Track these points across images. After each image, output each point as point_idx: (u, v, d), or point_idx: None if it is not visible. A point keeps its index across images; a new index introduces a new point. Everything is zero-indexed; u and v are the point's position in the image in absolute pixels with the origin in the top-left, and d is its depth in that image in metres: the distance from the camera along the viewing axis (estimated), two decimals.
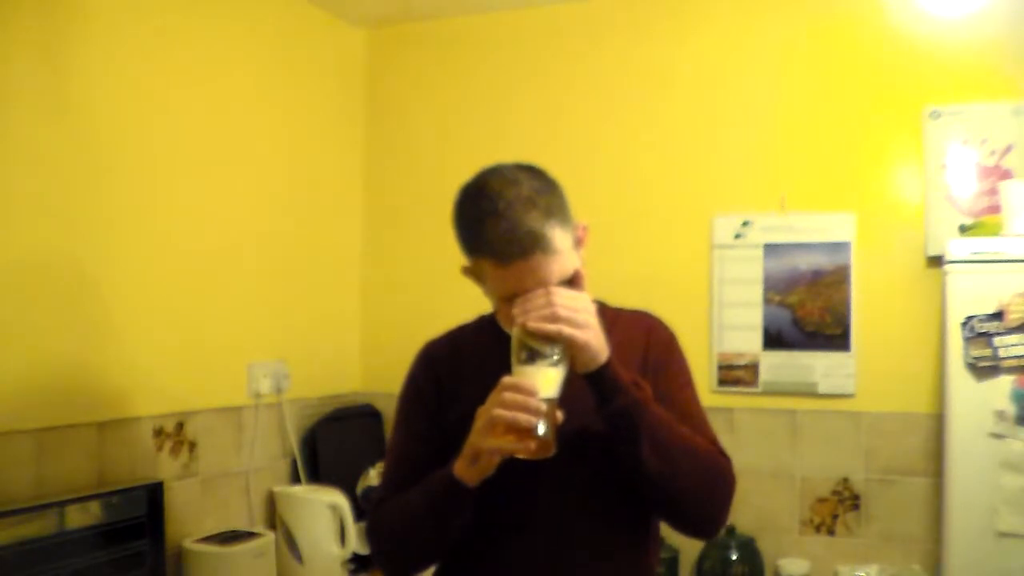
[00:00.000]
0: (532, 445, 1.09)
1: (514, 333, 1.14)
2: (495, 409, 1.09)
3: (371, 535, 1.34)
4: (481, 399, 1.16)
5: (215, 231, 2.56)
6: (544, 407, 1.09)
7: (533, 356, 1.12)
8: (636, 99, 2.94)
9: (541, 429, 1.08)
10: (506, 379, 1.11)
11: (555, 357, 1.12)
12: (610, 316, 1.31)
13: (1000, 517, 2.16)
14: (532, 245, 1.16)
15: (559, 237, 1.18)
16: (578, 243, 1.27)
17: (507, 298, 1.21)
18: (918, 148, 2.65)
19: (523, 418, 1.08)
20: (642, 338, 1.35)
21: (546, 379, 1.11)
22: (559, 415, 1.11)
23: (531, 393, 1.09)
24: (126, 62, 2.27)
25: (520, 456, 1.11)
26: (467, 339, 1.41)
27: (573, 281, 1.21)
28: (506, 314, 1.22)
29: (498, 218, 1.17)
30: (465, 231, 1.24)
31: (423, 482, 1.24)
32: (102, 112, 2.20)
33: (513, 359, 1.13)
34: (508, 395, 1.09)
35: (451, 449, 1.20)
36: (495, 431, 1.09)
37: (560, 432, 1.14)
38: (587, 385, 1.20)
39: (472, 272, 1.28)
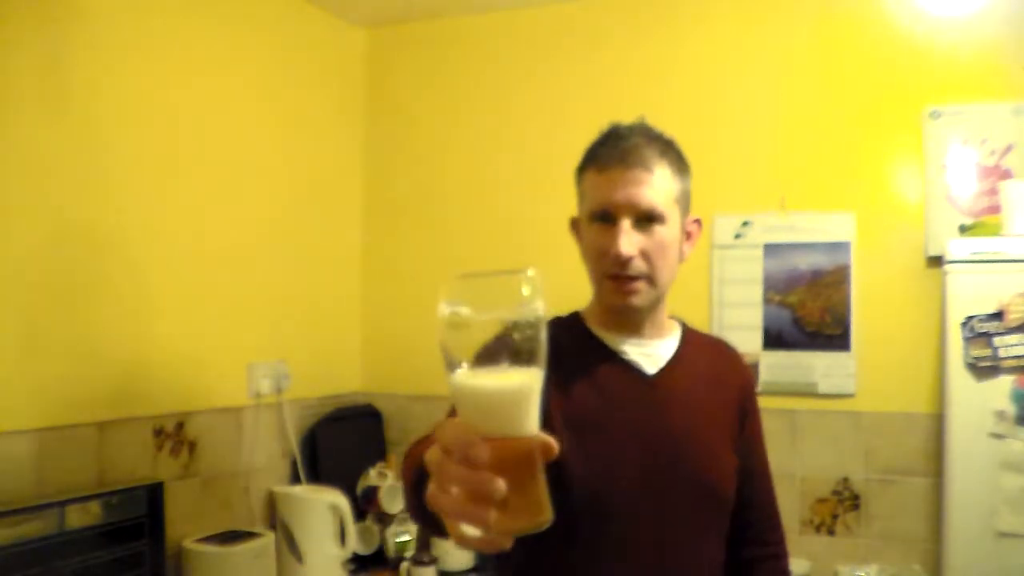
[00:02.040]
0: (497, 536, 0.64)
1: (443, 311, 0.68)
2: (434, 489, 0.66)
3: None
4: (577, 402, 1.19)
5: (215, 231, 2.56)
6: (511, 461, 0.64)
7: (485, 353, 0.66)
8: (636, 99, 2.94)
9: (497, 500, 0.62)
10: (441, 430, 0.66)
11: (530, 339, 0.66)
12: (694, 339, 1.35)
13: (1000, 517, 2.16)
14: (637, 158, 1.20)
15: (668, 182, 1.21)
16: (687, 234, 1.30)
17: (598, 216, 1.21)
18: (918, 148, 2.65)
19: (467, 511, 0.63)
20: (732, 371, 1.37)
21: (508, 393, 0.66)
22: (549, 441, 0.67)
23: (472, 457, 0.63)
24: (126, 62, 2.27)
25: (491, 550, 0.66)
26: (553, 334, 1.07)
27: (660, 256, 1.21)
28: (595, 246, 1.23)
29: (617, 136, 1.24)
30: (585, 154, 1.28)
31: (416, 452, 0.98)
32: (102, 112, 2.20)
33: (449, 359, 0.68)
34: (452, 470, 0.64)
35: None
36: (441, 512, 0.65)
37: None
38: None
39: (575, 224, 1.30)
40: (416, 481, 0.92)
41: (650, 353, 1.28)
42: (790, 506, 2.71)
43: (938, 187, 2.61)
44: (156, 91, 2.36)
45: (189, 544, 2.33)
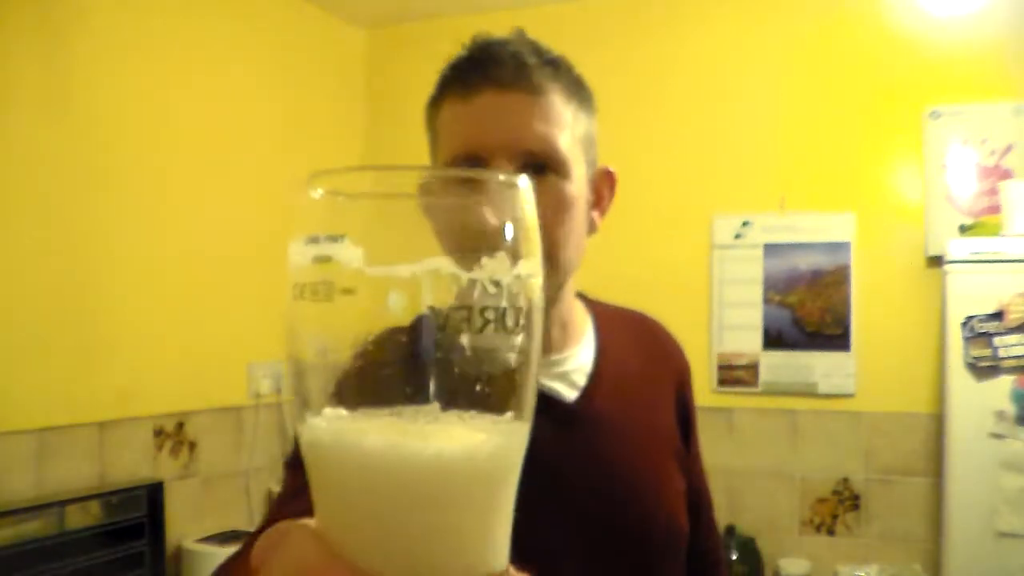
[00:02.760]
0: None
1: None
2: None
3: None
4: None
5: (215, 231, 2.56)
6: None
7: (405, 378, 0.33)
8: (636, 99, 2.94)
9: None
10: (291, 552, 0.33)
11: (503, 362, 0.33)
12: (611, 327, 0.97)
13: (1000, 517, 2.16)
14: (516, 75, 0.80)
15: (566, 113, 0.82)
16: (596, 194, 0.92)
17: (459, 165, 0.79)
18: (918, 148, 2.65)
19: None
20: (663, 356, 1.02)
21: (469, 486, 0.33)
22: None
23: None
24: (126, 63, 2.27)
25: None
26: (373, 359, 0.49)
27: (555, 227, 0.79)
28: (450, 225, 0.47)
29: (486, 50, 0.85)
30: (438, 81, 0.89)
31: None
32: (102, 112, 2.20)
33: (311, 381, 0.35)
34: None
35: None
36: None
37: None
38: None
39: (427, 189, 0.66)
40: None
41: (565, 371, 0.89)
42: (790, 506, 2.71)
43: (938, 187, 2.61)
44: (157, 91, 2.36)
45: (189, 544, 2.33)
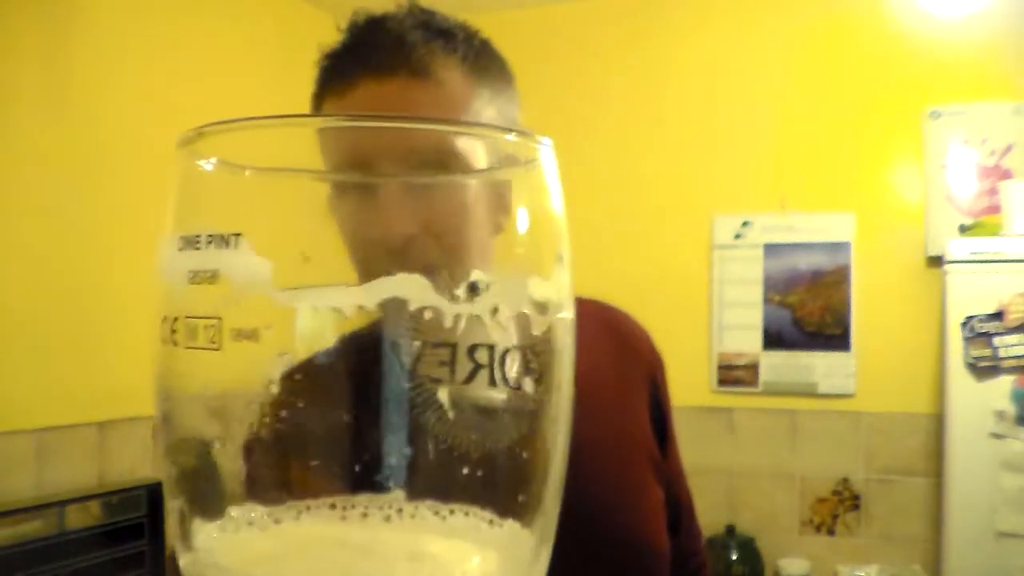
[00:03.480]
0: None
1: None
2: None
3: None
4: None
5: None
6: None
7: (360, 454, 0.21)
8: (636, 99, 2.94)
9: None
10: None
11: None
12: (582, 323, 0.63)
13: (1000, 517, 2.16)
14: (397, 59, 0.68)
15: (465, 96, 0.69)
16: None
17: (341, 168, 0.54)
18: (918, 148, 2.65)
19: None
20: (632, 350, 0.92)
21: None
22: None
23: None
24: (126, 63, 2.27)
25: None
26: (343, 371, 0.38)
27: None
28: (348, 230, 0.42)
29: (367, 32, 0.72)
30: (318, 73, 0.77)
31: None
32: (102, 112, 2.20)
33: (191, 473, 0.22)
34: None
35: None
36: None
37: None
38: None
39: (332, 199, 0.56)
40: None
41: None
42: (790, 506, 2.71)
43: (938, 187, 2.61)
44: (157, 91, 2.36)
45: None
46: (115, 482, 2.18)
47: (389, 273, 0.26)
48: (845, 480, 2.67)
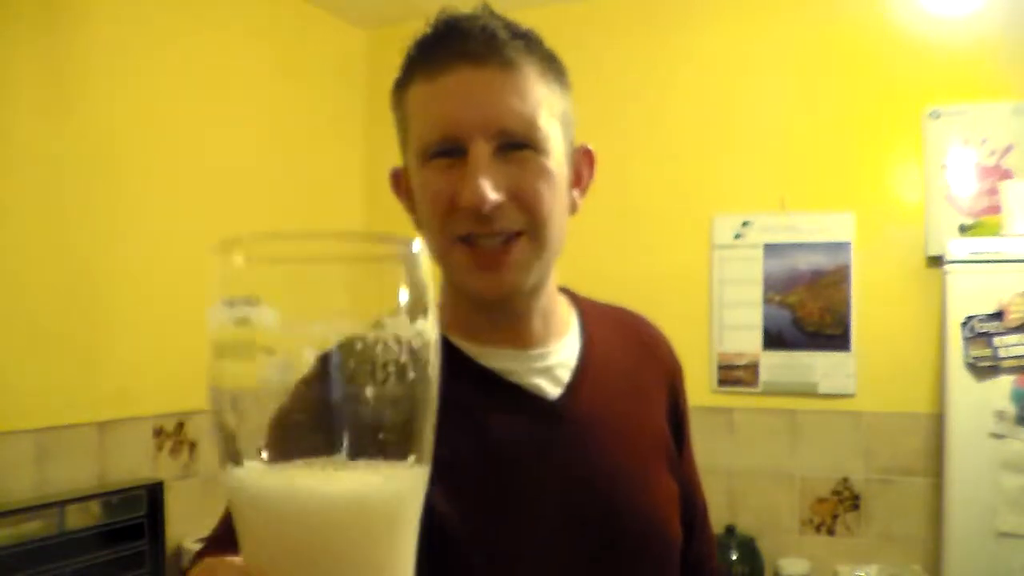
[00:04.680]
0: None
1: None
2: None
3: None
4: (450, 475, 0.62)
5: (215, 231, 2.54)
6: None
7: (314, 425, 0.37)
8: (636, 99, 2.94)
9: None
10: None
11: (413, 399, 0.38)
12: (597, 322, 0.93)
13: (1000, 517, 2.16)
14: (489, 50, 0.76)
15: (543, 87, 0.78)
16: (576, 173, 0.86)
17: (437, 148, 0.76)
18: (918, 148, 2.65)
19: None
20: (652, 352, 0.97)
21: (369, 525, 0.37)
22: None
23: None
24: (127, 63, 2.27)
25: None
26: (287, 414, 0.61)
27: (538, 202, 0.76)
28: (434, 196, 0.77)
29: (455, 26, 0.79)
30: (404, 61, 0.85)
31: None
32: (103, 112, 2.20)
33: (230, 433, 0.37)
34: None
35: None
36: None
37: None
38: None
39: (398, 179, 0.88)
40: None
41: (549, 365, 0.85)
42: (790, 506, 2.71)
43: (938, 187, 2.61)
44: (157, 91, 2.36)
45: (189, 544, 2.32)
46: (115, 482, 2.18)
47: (471, 234, 0.56)
48: (845, 480, 2.67)
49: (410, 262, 0.37)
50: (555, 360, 0.86)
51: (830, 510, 2.68)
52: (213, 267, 0.37)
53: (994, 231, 2.37)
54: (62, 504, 1.98)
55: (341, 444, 0.35)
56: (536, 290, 0.82)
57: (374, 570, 0.36)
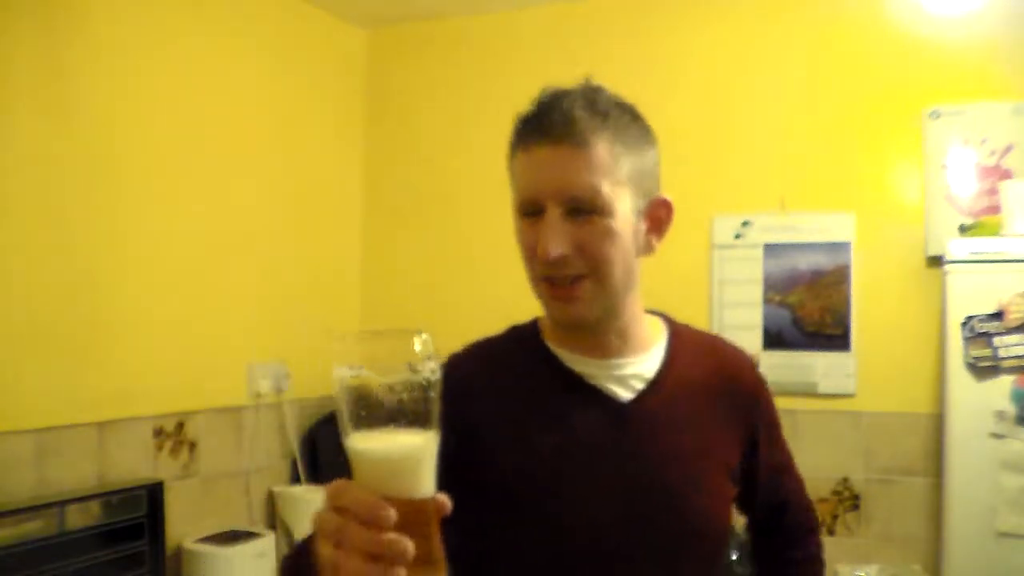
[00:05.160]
0: None
1: (338, 379, 0.67)
2: (326, 548, 0.67)
3: None
4: (528, 451, 0.97)
5: (215, 231, 2.56)
6: (411, 520, 0.65)
7: (387, 416, 0.66)
8: (636, 99, 2.93)
9: (406, 560, 0.63)
10: (335, 490, 0.67)
11: (424, 401, 0.67)
12: (685, 345, 1.10)
13: (1000, 517, 2.16)
14: (566, 132, 0.94)
15: (611, 159, 0.95)
16: (652, 221, 1.03)
17: (526, 208, 0.98)
18: (918, 148, 2.65)
19: (374, 572, 0.63)
20: (736, 383, 1.14)
21: (408, 464, 0.67)
22: (443, 500, 0.68)
23: (379, 520, 0.63)
24: (127, 63, 2.27)
25: None
26: (501, 356, 1.09)
27: (605, 259, 0.95)
28: (523, 245, 1.00)
29: (546, 105, 0.99)
30: (513, 132, 1.04)
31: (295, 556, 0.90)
32: (103, 113, 2.20)
33: (345, 422, 0.68)
34: (355, 532, 0.64)
35: (477, 509, 0.91)
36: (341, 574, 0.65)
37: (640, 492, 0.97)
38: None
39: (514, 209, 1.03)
40: (292, 563, 0.90)
41: (625, 374, 1.03)
42: None
43: (938, 187, 2.61)
44: (157, 91, 2.36)
45: (189, 544, 2.33)
46: (115, 482, 2.18)
47: (549, 282, 0.97)
48: (845, 480, 2.67)
49: (425, 342, 0.68)
50: (631, 371, 1.04)
51: (830, 510, 2.68)
52: (336, 345, 0.68)
53: (994, 231, 2.37)
54: (62, 504, 1.98)
55: (395, 422, 0.66)
56: (608, 316, 1.01)
57: (414, 482, 0.67)
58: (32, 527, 1.91)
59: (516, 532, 0.98)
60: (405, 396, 0.66)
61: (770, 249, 2.77)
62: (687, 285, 2.84)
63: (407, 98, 3.28)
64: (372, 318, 3.27)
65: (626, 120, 1.01)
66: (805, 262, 2.73)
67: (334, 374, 0.67)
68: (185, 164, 2.45)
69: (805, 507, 1.29)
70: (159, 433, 2.35)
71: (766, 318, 2.76)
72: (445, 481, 0.69)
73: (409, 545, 0.62)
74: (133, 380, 2.28)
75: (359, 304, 3.28)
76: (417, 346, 0.67)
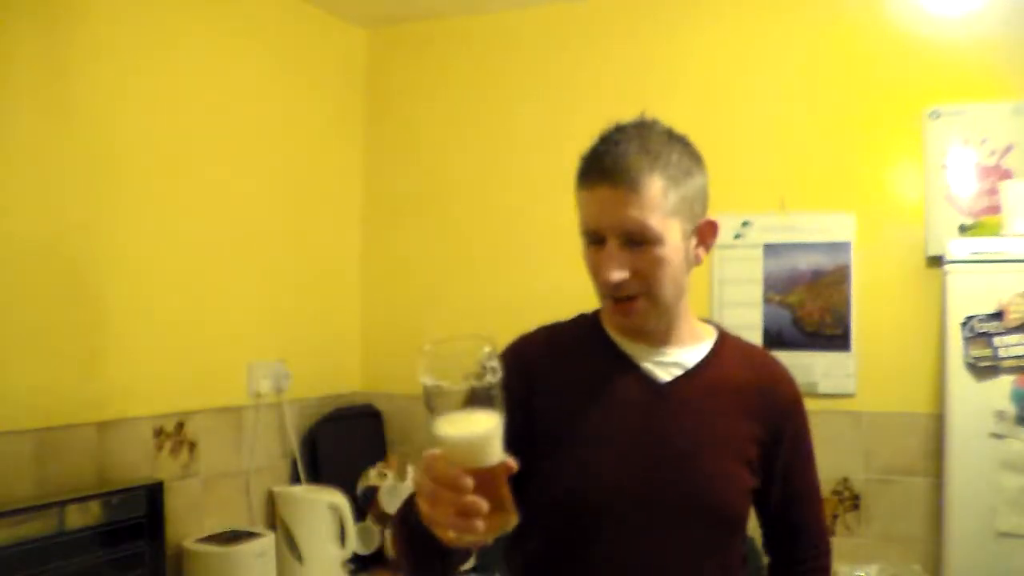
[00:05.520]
0: (483, 538, 0.88)
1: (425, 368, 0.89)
2: (424, 505, 0.90)
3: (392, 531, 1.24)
4: (576, 409, 1.17)
5: (215, 231, 2.56)
6: (486, 483, 0.87)
7: (456, 408, 0.88)
8: (636, 99, 2.92)
9: (482, 515, 0.86)
10: (429, 459, 0.89)
11: (490, 393, 0.88)
12: (729, 350, 1.29)
13: (1000, 517, 2.16)
14: (622, 177, 1.11)
15: (661, 196, 1.12)
16: (700, 238, 1.22)
17: (590, 236, 1.16)
18: (918, 148, 2.65)
19: (460, 523, 0.87)
20: (767, 389, 1.27)
21: (480, 443, 0.88)
22: (510, 462, 0.89)
23: (460, 487, 0.86)
24: (127, 63, 2.27)
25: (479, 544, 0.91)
26: (565, 336, 1.29)
27: (657, 278, 1.15)
28: (590, 265, 1.18)
29: (604, 147, 1.16)
30: (579, 165, 1.20)
31: (405, 512, 1.12)
32: (103, 112, 2.20)
33: (431, 408, 0.89)
34: (444, 495, 0.87)
35: (534, 458, 1.05)
36: (436, 525, 0.89)
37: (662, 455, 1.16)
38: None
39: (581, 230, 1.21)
40: (404, 512, 1.12)
41: (668, 362, 1.23)
42: None
43: (938, 187, 2.61)
44: (157, 91, 2.36)
45: (189, 544, 2.33)
46: (115, 482, 2.18)
47: (611, 298, 1.19)
48: (845, 480, 2.67)
49: (491, 352, 0.88)
50: (672, 360, 1.23)
51: (830, 510, 2.68)
52: (420, 357, 0.88)
53: (994, 231, 2.37)
54: (62, 504, 1.98)
55: (475, 410, 0.87)
56: (661, 319, 1.22)
57: (485, 455, 0.88)
58: (32, 527, 1.91)
59: (553, 476, 1.16)
60: (475, 392, 0.86)
61: (770, 249, 2.77)
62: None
63: (407, 98, 3.28)
64: (372, 318, 3.27)
65: (676, 155, 1.17)
66: (805, 262, 2.73)
67: (421, 380, 0.88)
68: (185, 164, 2.45)
69: (818, 541, 1.37)
70: (159, 433, 2.35)
71: (766, 318, 2.76)
72: (514, 445, 0.90)
73: (483, 504, 0.85)
74: (133, 380, 2.28)
75: (359, 304, 3.28)
76: (486, 353, 0.88)
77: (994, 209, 2.48)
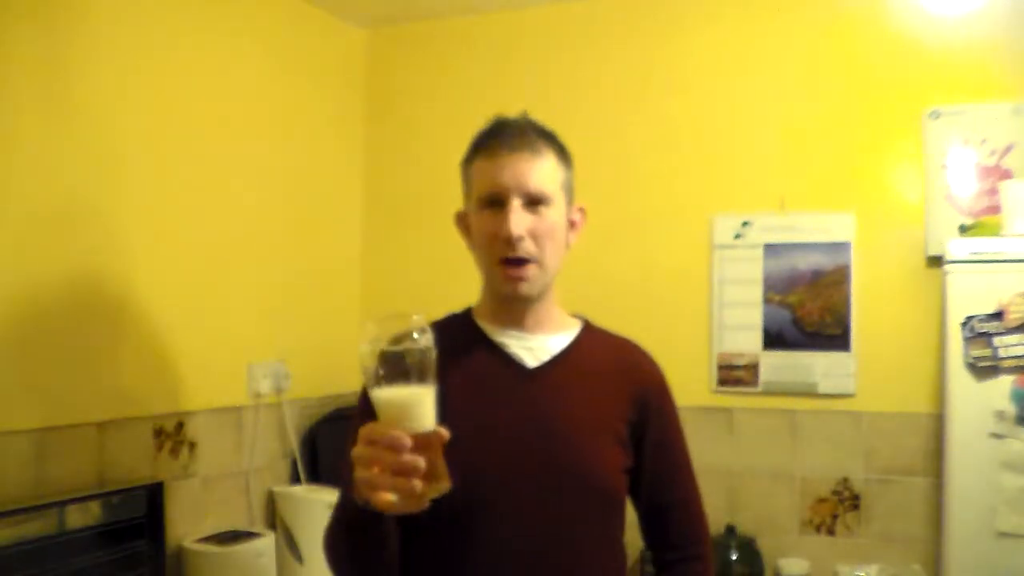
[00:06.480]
0: (419, 502, 0.94)
1: (364, 351, 0.96)
2: (362, 472, 0.94)
3: (325, 552, 1.27)
4: (458, 399, 1.14)
5: (215, 231, 2.56)
6: (422, 446, 0.93)
7: (398, 374, 0.94)
8: (636, 99, 2.94)
9: (420, 474, 0.92)
10: (365, 431, 0.94)
11: (422, 362, 0.95)
12: (594, 339, 1.36)
13: (1000, 517, 2.16)
14: (523, 143, 1.24)
15: (553, 167, 1.26)
16: (571, 223, 1.31)
17: (488, 200, 1.24)
18: (918, 148, 2.65)
19: (398, 484, 0.91)
20: (631, 370, 1.35)
21: (415, 406, 0.95)
22: (442, 431, 0.95)
23: (398, 445, 0.91)
24: (127, 63, 2.27)
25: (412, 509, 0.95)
26: (442, 333, 1.24)
27: (546, 237, 1.24)
28: (485, 231, 1.25)
29: (503, 125, 1.28)
30: (471, 145, 1.30)
31: (340, 502, 1.20)
32: (103, 113, 2.20)
33: (370, 381, 0.96)
34: (382, 455, 0.92)
35: None
36: (372, 493, 0.93)
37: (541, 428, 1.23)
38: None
39: (462, 218, 1.33)
40: (338, 514, 1.22)
41: (533, 347, 1.30)
42: (790, 506, 2.72)
43: (938, 187, 2.61)
44: (157, 91, 2.36)
45: (189, 544, 2.33)
46: (115, 482, 2.18)
47: (506, 256, 1.24)
48: (845, 480, 2.67)
49: (421, 322, 0.96)
50: (538, 345, 1.31)
51: (830, 510, 2.68)
52: (363, 327, 0.96)
53: (994, 231, 2.37)
54: (62, 504, 1.98)
55: (404, 377, 0.93)
56: (536, 298, 1.29)
57: (420, 419, 0.94)
58: (32, 527, 1.91)
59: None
60: (409, 360, 0.93)
61: (770, 249, 2.77)
62: (687, 285, 2.84)
63: (407, 98, 3.28)
64: (372, 316, 3.26)
65: (559, 144, 1.31)
66: (805, 262, 2.73)
67: (360, 348, 0.94)
68: (185, 164, 2.45)
69: (695, 521, 1.39)
70: (159, 433, 2.35)
71: (766, 318, 2.76)
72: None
73: (421, 462, 0.91)
74: (133, 380, 2.28)
75: (359, 304, 3.27)
76: (418, 325, 0.95)
77: (994, 209, 2.48)
